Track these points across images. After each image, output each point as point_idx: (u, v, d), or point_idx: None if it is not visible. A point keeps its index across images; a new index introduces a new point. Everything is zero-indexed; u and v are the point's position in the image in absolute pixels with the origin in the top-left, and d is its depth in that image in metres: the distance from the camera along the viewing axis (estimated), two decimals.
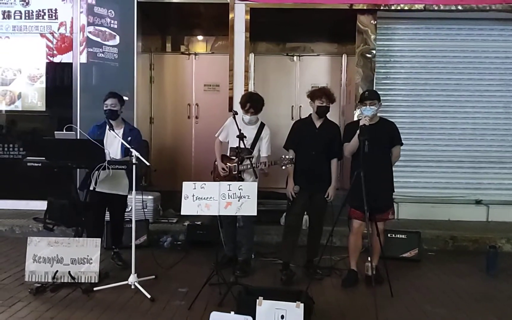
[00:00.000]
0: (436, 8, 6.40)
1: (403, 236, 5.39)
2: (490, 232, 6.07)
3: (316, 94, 4.62)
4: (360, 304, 4.08)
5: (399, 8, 6.42)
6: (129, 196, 4.67)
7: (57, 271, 4.19)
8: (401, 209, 6.55)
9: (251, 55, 7.18)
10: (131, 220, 4.45)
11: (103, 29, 6.33)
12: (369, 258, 4.24)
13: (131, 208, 4.32)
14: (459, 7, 6.39)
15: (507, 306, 4.12)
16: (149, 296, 3.99)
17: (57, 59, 6.66)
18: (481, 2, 6.38)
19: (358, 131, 4.18)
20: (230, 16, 6.39)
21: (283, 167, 4.51)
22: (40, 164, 4.32)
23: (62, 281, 4.19)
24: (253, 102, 4.79)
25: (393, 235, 5.36)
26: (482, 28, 6.79)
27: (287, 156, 4.50)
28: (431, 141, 6.84)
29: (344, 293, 4.34)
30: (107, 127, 4.53)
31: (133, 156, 4.10)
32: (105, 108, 4.60)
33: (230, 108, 6.09)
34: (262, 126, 4.86)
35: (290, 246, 4.69)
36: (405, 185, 6.59)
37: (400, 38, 6.84)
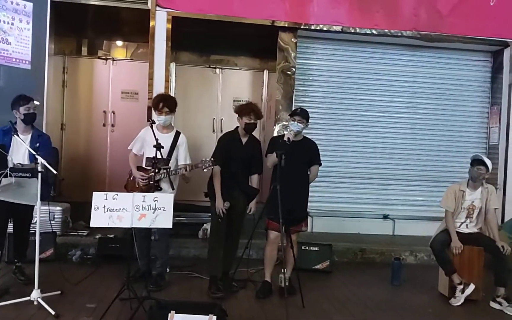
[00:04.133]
0: (352, 30, 6.73)
1: (316, 249, 5.59)
2: (395, 245, 6.47)
3: (244, 110, 4.66)
4: (272, 315, 4.14)
5: (318, 28, 6.67)
6: (35, 207, 4.38)
7: None
8: (315, 223, 6.78)
9: (173, 65, 7.09)
10: (36, 232, 4.15)
11: (12, 28, 5.92)
12: (283, 270, 4.35)
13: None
14: (374, 31, 6.77)
15: (408, 314, 4.39)
16: (53, 313, 3.78)
17: None
18: (393, 27, 6.80)
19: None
20: (151, 23, 6.24)
21: (205, 170, 4.47)
22: None
23: None
24: (166, 101, 4.70)
25: (307, 247, 5.54)
26: (393, 53, 7.25)
27: (207, 159, 4.46)
28: (345, 158, 7.15)
29: (257, 305, 4.39)
30: (13, 132, 4.22)
31: (39, 163, 3.86)
32: (27, 112, 4.34)
33: (149, 118, 5.95)
34: (178, 134, 4.78)
35: (217, 260, 4.68)
36: (319, 200, 6.82)
37: (319, 58, 7.12)
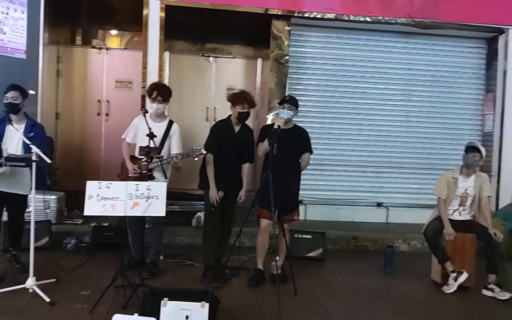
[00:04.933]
0: (346, 18, 6.70)
1: (309, 236, 5.62)
2: (388, 233, 6.51)
3: (237, 99, 4.64)
4: (265, 302, 4.19)
5: (312, 16, 6.63)
6: (30, 196, 4.41)
7: None
8: (309, 211, 6.80)
9: (167, 54, 7.07)
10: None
11: (7, 17, 5.91)
12: (276, 258, 4.38)
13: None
14: (368, 19, 6.73)
15: (400, 302, 4.43)
16: (48, 300, 3.83)
17: None
18: (388, 15, 6.77)
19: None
20: (144, 12, 6.23)
21: (196, 159, 4.49)
22: None
23: None
24: (160, 90, 4.71)
25: (300, 235, 5.56)
26: (388, 40, 7.21)
27: (198, 147, 4.49)
28: (339, 146, 7.15)
29: (250, 292, 4.44)
30: (7, 121, 4.28)
31: (33, 152, 3.90)
32: (5, 101, 4.34)
33: (143, 107, 5.96)
34: (170, 123, 4.80)
35: (212, 248, 4.72)
36: (313, 188, 6.85)
37: (313, 46, 7.09)
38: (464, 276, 4.70)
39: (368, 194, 7.21)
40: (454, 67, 7.38)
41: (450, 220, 4.88)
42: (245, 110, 4.63)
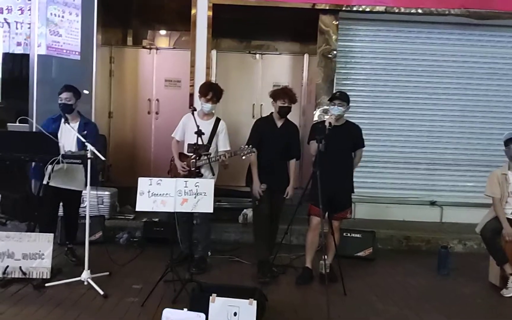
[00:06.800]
0: (396, 10, 6.48)
1: (358, 235, 5.49)
2: (443, 233, 6.25)
3: (278, 94, 4.68)
4: (313, 301, 4.14)
5: (360, 9, 6.47)
6: (84, 192, 4.57)
7: (7, 266, 4.12)
8: (358, 209, 6.62)
9: (214, 52, 7.13)
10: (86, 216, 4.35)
11: (63, 20, 6.16)
12: (324, 257, 4.31)
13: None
14: (419, 11, 6.49)
15: (454, 304, 4.26)
16: (102, 293, 3.95)
17: (14, 49, 6.42)
18: (440, 6, 6.49)
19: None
20: (193, 11, 6.32)
21: (243, 157, 4.51)
22: None
23: (13, 276, 4.12)
24: (215, 91, 4.79)
25: (349, 234, 5.45)
26: (441, 32, 6.93)
27: (246, 146, 4.51)
28: (389, 142, 6.96)
29: (298, 291, 4.40)
30: (62, 120, 4.47)
31: (88, 150, 4.04)
32: (59, 102, 4.53)
33: (191, 105, 6.05)
34: (217, 120, 4.86)
35: (264, 244, 4.73)
36: (362, 185, 6.59)
37: (361, 40, 6.92)
38: None
39: (421, 192, 6.96)
40: None
41: (508, 219, 4.62)
42: (286, 105, 4.63)
